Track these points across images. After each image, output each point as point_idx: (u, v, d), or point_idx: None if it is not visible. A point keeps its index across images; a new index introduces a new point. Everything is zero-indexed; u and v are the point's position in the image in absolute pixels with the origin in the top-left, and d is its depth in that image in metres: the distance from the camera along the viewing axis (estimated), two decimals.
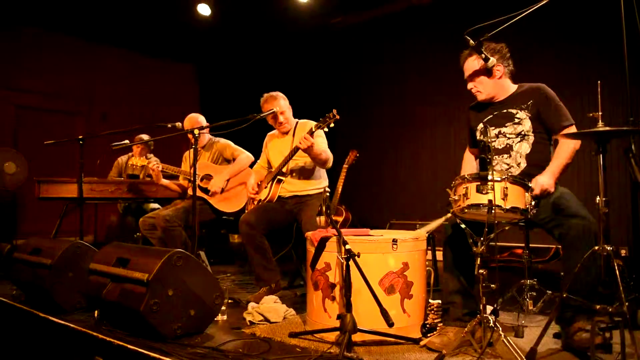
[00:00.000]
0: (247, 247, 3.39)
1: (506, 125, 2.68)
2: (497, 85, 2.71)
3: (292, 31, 7.09)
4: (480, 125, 2.78)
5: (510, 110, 2.69)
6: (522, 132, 2.63)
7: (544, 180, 2.42)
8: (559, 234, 2.33)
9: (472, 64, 2.71)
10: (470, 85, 2.75)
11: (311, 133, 3.19)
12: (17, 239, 5.35)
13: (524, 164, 2.61)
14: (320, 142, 3.46)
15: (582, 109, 2.32)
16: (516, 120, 2.65)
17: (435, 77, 6.30)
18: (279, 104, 3.59)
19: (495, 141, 2.70)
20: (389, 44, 6.79)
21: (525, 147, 2.63)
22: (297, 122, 3.69)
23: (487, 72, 2.68)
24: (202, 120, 4.28)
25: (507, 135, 2.67)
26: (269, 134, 3.88)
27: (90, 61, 7.36)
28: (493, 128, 2.72)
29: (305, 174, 3.58)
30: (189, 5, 6.34)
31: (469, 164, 3.02)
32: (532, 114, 2.62)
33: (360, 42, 7.12)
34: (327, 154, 3.44)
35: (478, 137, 2.79)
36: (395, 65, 6.76)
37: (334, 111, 3.06)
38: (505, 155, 2.66)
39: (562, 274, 2.34)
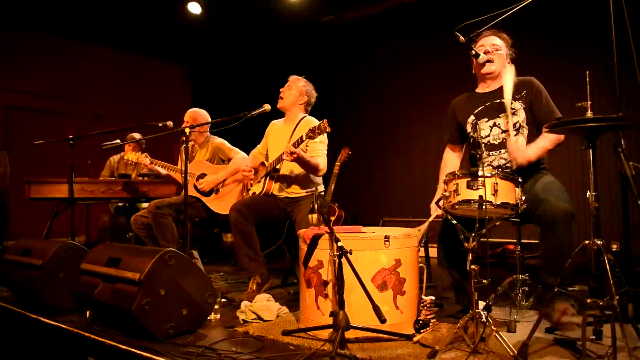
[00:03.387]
0: (235, 234, 3.37)
1: (500, 116, 2.69)
2: (501, 71, 2.76)
3: (283, 30, 7.08)
4: (471, 118, 2.78)
5: (504, 100, 2.70)
6: (518, 123, 2.64)
7: (523, 152, 2.48)
8: (538, 216, 2.38)
9: (499, 41, 2.77)
10: (489, 56, 2.74)
11: (298, 144, 3.14)
12: (7, 240, 5.31)
13: None
14: (317, 150, 3.41)
15: (572, 105, 2.32)
16: (511, 111, 2.66)
17: (427, 74, 6.32)
18: (296, 83, 3.62)
19: (489, 135, 2.70)
20: (381, 42, 6.79)
21: (521, 141, 2.63)
22: (303, 117, 3.60)
23: (505, 56, 2.76)
24: (204, 114, 4.24)
25: (502, 128, 2.67)
26: (272, 122, 3.84)
27: (81, 61, 7.33)
28: (486, 120, 2.72)
29: (299, 175, 3.54)
30: (179, 5, 6.31)
31: (450, 164, 2.99)
32: (526, 105, 2.64)
33: (352, 40, 7.11)
34: (317, 162, 3.33)
35: (468, 131, 2.79)
36: (387, 63, 6.76)
37: (325, 122, 2.92)
38: (503, 150, 2.66)
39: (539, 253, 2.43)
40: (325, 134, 3.47)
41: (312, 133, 3.00)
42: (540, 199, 2.39)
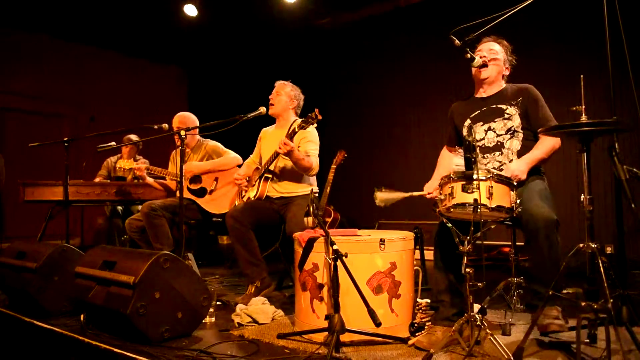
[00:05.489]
0: (234, 241, 3.37)
1: (495, 120, 2.72)
2: (498, 77, 2.79)
3: (280, 32, 7.08)
4: (468, 122, 2.80)
5: (499, 105, 2.74)
6: (512, 128, 2.68)
7: (516, 167, 2.49)
8: (523, 225, 2.40)
9: (498, 47, 2.80)
10: (484, 60, 2.76)
11: (292, 135, 3.14)
12: (2, 242, 5.28)
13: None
14: (309, 149, 3.41)
15: (567, 109, 2.33)
16: (506, 116, 2.70)
17: (423, 78, 6.33)
18: (284, 88, 3.61)
19: (484, 139, 2.72)
20: (376, 45, 6.81)
21: (515, 144, 2.67)
22: (295, 120, 3.58)
23: (502, 62, 2.79)
24: (193, 118, 4.23)
25: (497, 132, 2.70)
26: (263, 129, 3.84)
27: (77, 63, 7.31)
28: (481, 124, 2.76)
29: (293, 174, 3.52)
30: (175, 7, 6.30)
31: (444, 162, 3.06)
32: (521, 111, 2.68)
33: (348, 42, 7.13)
34: (310, 161, 3.34)
35: (465, 134, 2.80)
36: (382, 66, 6.78)
37: (316, 111, 3.01)
38: (497, 153, 2.69)
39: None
40: (317, 136, 3.49)
41: (305, 123, 3.05)
42: (524, 208, 2.39)
